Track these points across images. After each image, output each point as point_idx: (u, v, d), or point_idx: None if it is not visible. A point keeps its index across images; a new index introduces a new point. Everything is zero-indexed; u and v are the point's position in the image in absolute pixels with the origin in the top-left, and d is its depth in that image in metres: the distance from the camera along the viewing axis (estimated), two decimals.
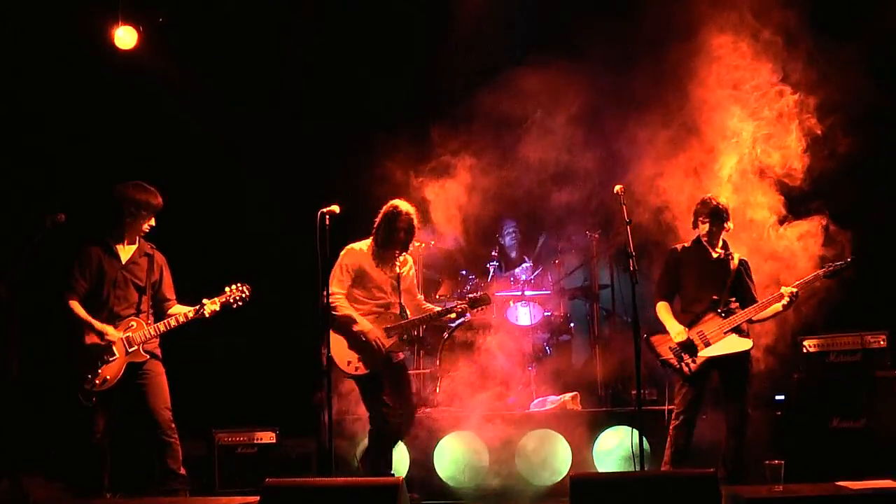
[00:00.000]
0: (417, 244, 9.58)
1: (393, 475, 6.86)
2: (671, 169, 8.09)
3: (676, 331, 7.12)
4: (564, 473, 7.99)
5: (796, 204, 7.84)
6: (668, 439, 7.10)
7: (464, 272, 10.00)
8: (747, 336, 7.10)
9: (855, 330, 7.77)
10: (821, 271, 7.03)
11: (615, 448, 8.07)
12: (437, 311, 7.48)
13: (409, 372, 9.22)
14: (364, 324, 7.23)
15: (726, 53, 7.95)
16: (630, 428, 7.57)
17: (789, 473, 5.73)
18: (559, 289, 9.98)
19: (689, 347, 7.06)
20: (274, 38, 9.94)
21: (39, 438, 8.37)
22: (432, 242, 9.84)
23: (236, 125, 9.67)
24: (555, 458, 8.19)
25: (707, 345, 7.03)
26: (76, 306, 7.04)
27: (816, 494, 5.41)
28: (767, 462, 5.63)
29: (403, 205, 7.42)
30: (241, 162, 9.84)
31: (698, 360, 7.04)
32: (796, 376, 7.81)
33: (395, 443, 7.52)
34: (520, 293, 9.65)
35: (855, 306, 8.06)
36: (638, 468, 6.26)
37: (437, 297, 10.05)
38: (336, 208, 6.86)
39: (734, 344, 7.01)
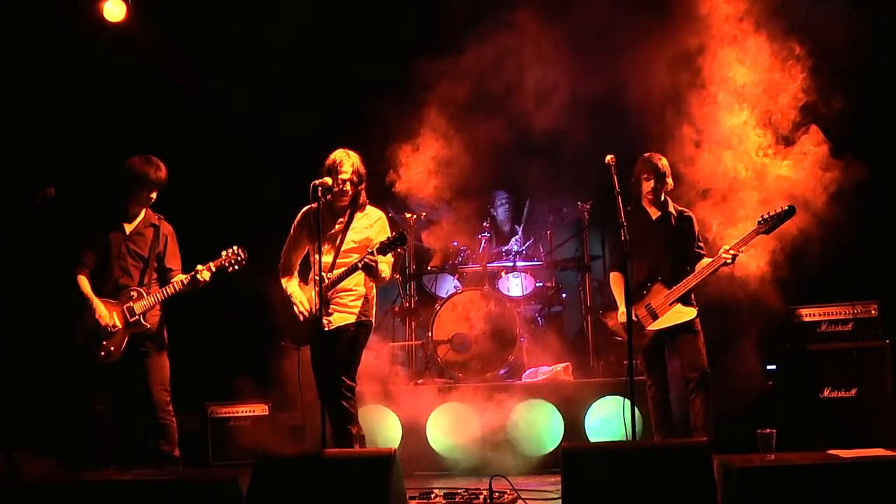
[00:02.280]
0: (409, 216, 9.58)
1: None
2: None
3: (620, 311, 7.09)
4: (556, 444, 8.01)
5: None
6: (652, 421, 7.17)
7: (455, 243, 9.99)
8: (692, 304, 7.05)
9: (846, 299, 7.79)
10: (758, 227, 6.86)
11: (607, 418, 8.08)
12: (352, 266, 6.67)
13: (400, 343, 9.29)
14: None
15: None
16: (622, 398, 7.59)
17: (781, 442, 5.74)
18: (551, 260, 9.98)
19: (633, 326, 6.84)
20: (265, 6, 9.86)
21: (33, 413, 8.38)
22: (423, 214, 9.83)
23: (229, 97, 9.63)
24: (547, 428, 8.21)
25: (655, 318, 7.05)
26: (82, 281, 7.11)
27: (808, 463, 5.41)
28: (759, 431, 5.64)
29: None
30: (235, 134, 9.78)
31: (648, 335, 7.07)
32: (788, 346, 7.83)
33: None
34: (511, 264, 9.64)
35: (846, 275, 8.07)
36: (630, 438, 6.26)
37: (430, 268, 10.06)
38: (329, 180, 6.81)
39: (679, 314, 7.01)
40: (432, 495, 6.13)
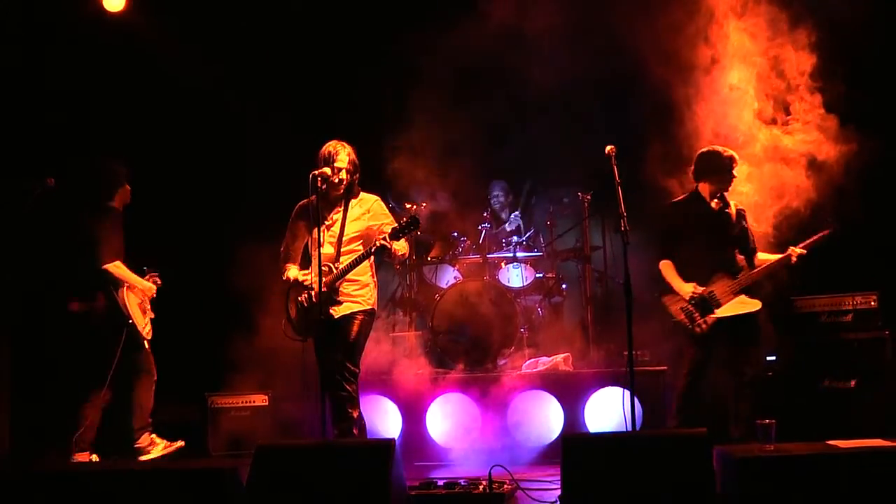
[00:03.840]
0: (409, 206, 9.59)
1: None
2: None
3: (686, 288, 7.01)
4: (556, 434, 8.02)
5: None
6: (674, 403, 7.09)
7: (455, 234, 9.99)
8: (757, 296, 7.02)
9: (846, 290, 7.79)
10: (825, 227, 6.97)
11: (607, 409, 8.09)
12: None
13: (400, 334, 9.30)
14: None
15: None
16: (622, 389, 7.59)
17: (781, 433, 5.74)
18: (551, 250, 9.98)
19: (701, 305, 6.96)
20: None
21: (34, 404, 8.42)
22: (423, 205, 9.84)
23: (228, 86, 9.62)
24: (547, 418, 8.22)
25: (718, 306, 6.97)
26: (120, 267, 7.48)
27: (807, 453, 5.43)
28: (759, 421, 5.64)
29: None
30: (235, 123, 9.77)
31: (710, 320, 6.96)
32: (788, 337, 7.83)
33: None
34: (512, 255, 9.64)
35: (846, 266, 8.06)
36: (630, 429, 6.27)
37: (429, 258, 10.07)
38: (328, 170, 6.82)
39: (743, 305, 6.95)
40: (432, 485, 6.13)
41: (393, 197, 9.69)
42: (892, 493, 5.09)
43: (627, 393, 6.20)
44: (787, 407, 7.40)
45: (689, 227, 7.13)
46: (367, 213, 6.93)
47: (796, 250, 6.95)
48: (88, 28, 9.23)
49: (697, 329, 6.98)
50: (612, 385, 8.09)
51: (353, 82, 9.96)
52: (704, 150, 7.19)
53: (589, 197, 9.69)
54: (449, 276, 9.97)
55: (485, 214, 10.03)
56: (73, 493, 5.68)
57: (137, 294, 7.62)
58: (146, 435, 7.54)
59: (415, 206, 9.64)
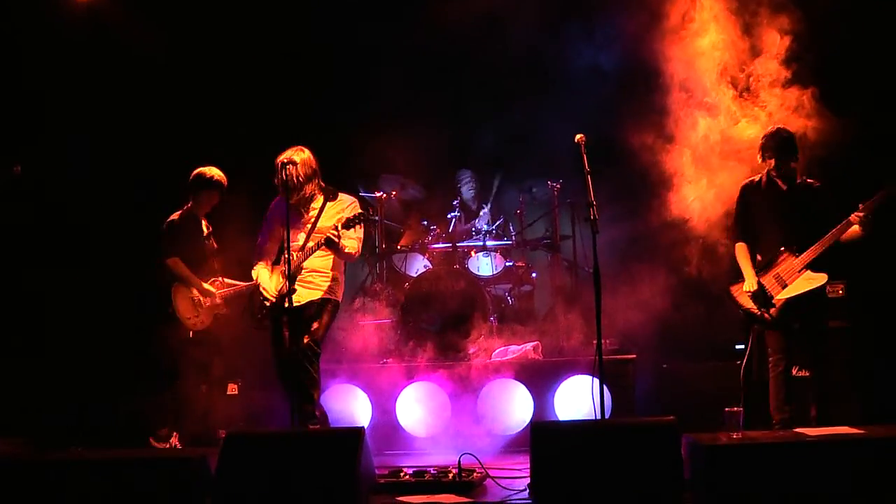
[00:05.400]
0: (379, 194, 9.58)
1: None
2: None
3: (749, 282, 7.03)
4: (526, 422, 8.03)
5: None
6: (771, 391, 7.02)
7: (425, 222, 9.98)
8: (823, 269, 6.90)
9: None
10: (884, 192, 6.72)
11: (576, 397, 8.10)
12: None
13: (370, 322, 9.27)
14: None
15: None
16: (591, 377, 7.61)
17: (748, 421, 5.78)
18: (521, 239, 9.98)
19: (761, 297, 6.98)
20: None
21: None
22: (393, 193, 9.81)
23: (199, 74, 9.54)
24: (516, 407, 8.23)
25: (784, 286, 6.94)
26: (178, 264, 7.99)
27: (774, 441, 5.47)
28: (727, 409, 5.67)
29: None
30: (203, 111, 9.68)
31: (777, 304, 6.95)
32: (756, 326, 7.86)
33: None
34: (482, 243, 9.64)
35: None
36: (598, 417, 6.29)
37: (399, 247, 10.05)
38: (297, 159, 6.80)
39: (810, 280, 6.88)
40: (401, 473, 6.13)
41: (364, 186, 9.67)
42: (859, 480, 5.13)
43: (596, 381, 6.21)
44: (756, 395, 7.43)
45: (757, 208, 7.12)
46: (341, 212, 7.11)
47: (856, 215, 6.74)
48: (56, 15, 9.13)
49: (767, 316, 6.99)
50: (582, 373, 8.10)
51: (321, 69, 9.89)
52: (769, 129, 7.14)
53: (559, 186, 9.70)
54: (419, 265, 9.95)
55: (454, 203, 10.02)
56: (42, 482, 5.65)
57: (194, 292, 8.00)
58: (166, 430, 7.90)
59: (384, 195, 9.62)
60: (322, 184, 7.24)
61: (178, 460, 5.73)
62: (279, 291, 7.03)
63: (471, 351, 8.94)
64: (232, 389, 8.56)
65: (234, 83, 9.67)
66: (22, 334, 8.84)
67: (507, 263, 9.77)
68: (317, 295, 7.07)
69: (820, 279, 6.88)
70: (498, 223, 9.87)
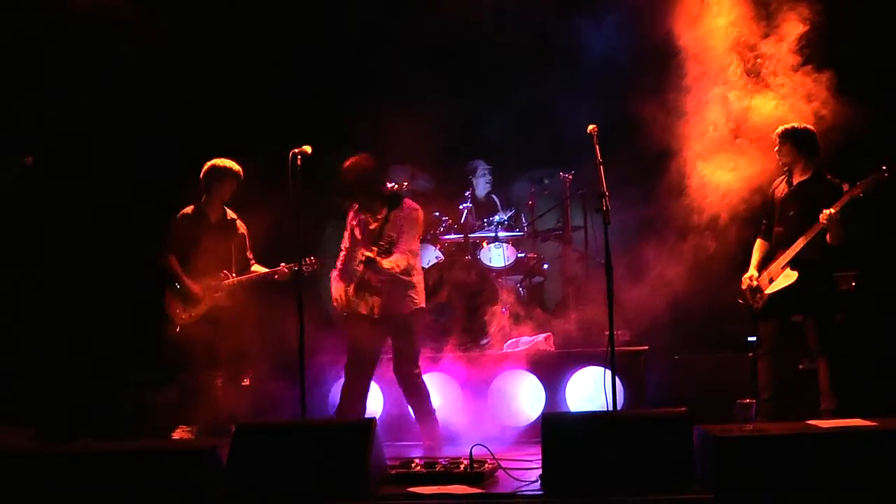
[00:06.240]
0: (391, 185, 9.57)
1: None
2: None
3: (746, 275, 7.27)
4: (537, 413, 8.02)
5: None
6: (762, 394, 7.10)
7: (437, 213, 9.97)
8: (796, 268, 6.98)
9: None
10: (853, 189, 6.79)
11: (587, 388, 8.09)
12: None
13: None
14: None
15: None
16: (603, 368, 7.59)
17: (761, 412, 5.77)
18: (532, 230, 9.97)
19: (753, 290, 7.20)
20: None
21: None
22: (404, 184, 9.80)
23: (205, 68, 9.52)
24: (528, 398, 8.23)
25: (772, 282, 7.10)
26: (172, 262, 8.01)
27: (785, 433, 5.45)
28: (738, 401, 5.66)
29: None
30: (211, 104, 9.66)
31: (763, 297, 7.13)
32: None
33: None
34: (493, 234, 9.62)
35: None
36: (610, 408, 6.28)
37: None
38: (308, 149, 6.79)
39: (787, 278, 7.02)
40: (413, 464, 6.13)
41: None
42: (870, 472, 5.12)
43: (608, 372, 6.20)
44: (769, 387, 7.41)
45: (775, 205, 7.27)
46: (402, 220, 7.44)
47: (826, 212, 6.79)
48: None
49: (755, 305, 7.18)
50: (593, 365, 8.08)
51: (329, 62, 9.86)
52: (780, 127, 7.18)
53: (570, 176, 9.68)
54: (430, 256, 9.94)
55: (466, 194, 10.00)
56: (54, 473, 5.67)
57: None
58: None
59: (395, 186, 9.61)
60: (386, 191, 7.61)
61: (189, 452, 5.74)
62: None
63: (482, 342, 8.94)
64: (244, 381, 8.57)
65: (237, 73, 9.64)
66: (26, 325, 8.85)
67: (519, 254, 9.75)
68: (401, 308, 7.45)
69: (789, 278, 7.00)
70: (510, 214, 9.85)
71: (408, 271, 7.42)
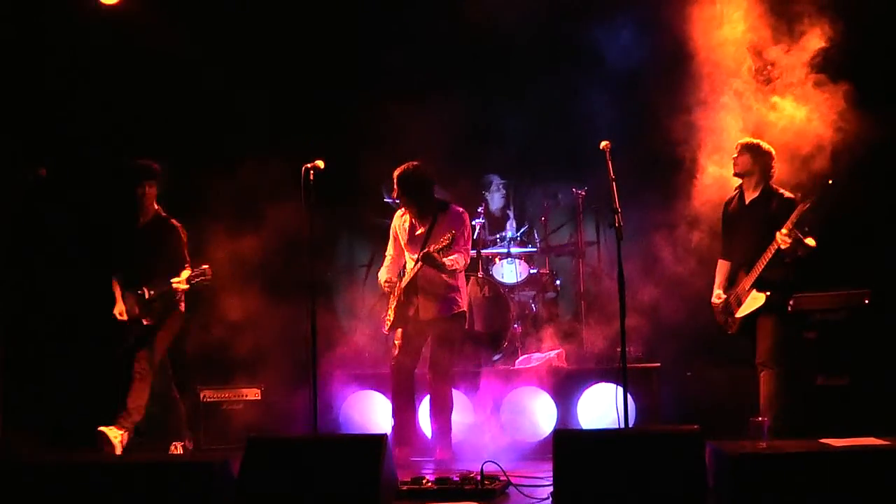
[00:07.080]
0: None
1: None
2: None
3: (714, 295, 7.23)
4: (549, 430, 8.00)
5: None
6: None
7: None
8: (763, 290, 6.89)
9: (840, 287, 7.77)
10: (802, 204, 6.63)
11: (600, 405, 8.07)
12: None
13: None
14: None
15: None
16: (615, 385, 7.58)
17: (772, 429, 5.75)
18: (545, 246, 9.96)
19: (726, 312, 7.13)
20: None
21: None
22: None
23: (224, 78, 9.53)
24: (539, 415, 8.21)
25: (739, 305, 7.03)
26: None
27: (800, 451, 5.42)
28: (752, 419, 5.64)
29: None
30: (229, 115, 9.66)
31: (737, 321, 7.07)
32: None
33: None
34: (506, 250, 9.61)
35: (840, 264, 8.01)
36: (622, 425, 6.26)
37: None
38: (321, 163, 6.80)
39: (754, 301, 6.93)
40: (424, 480, 6.11)
41: (387, 192, 9.65)
42: (884, 491, 5.09)
43: (620, 389, 6.19)
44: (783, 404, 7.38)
45: (730, 222, 7.21)
46: (450, 225, 7.48)
47: (779, 236, 6.66)
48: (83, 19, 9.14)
49: (729, 330, 7.13)
50: (605, 381, 8.06)
51: (342, 74, 9.87)
52: (740, 141, 7.15)
53: (583, 192, 9.67)
54: None
55: (479, 210, 10.00)
56: (63, 485, 5.67)
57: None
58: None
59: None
60: (435, 197, 7.61)
61: (201, 465, 5.73)
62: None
63: (494, 358, 8.93)
64: (255, 394, 8.57)
65: (249, 75, 9.65)
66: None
67: (532, 270, 9.73)
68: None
69: (759, 300, 6.90)
70: (523, 230, 9.84)
71: (454, 274, 7.55)
